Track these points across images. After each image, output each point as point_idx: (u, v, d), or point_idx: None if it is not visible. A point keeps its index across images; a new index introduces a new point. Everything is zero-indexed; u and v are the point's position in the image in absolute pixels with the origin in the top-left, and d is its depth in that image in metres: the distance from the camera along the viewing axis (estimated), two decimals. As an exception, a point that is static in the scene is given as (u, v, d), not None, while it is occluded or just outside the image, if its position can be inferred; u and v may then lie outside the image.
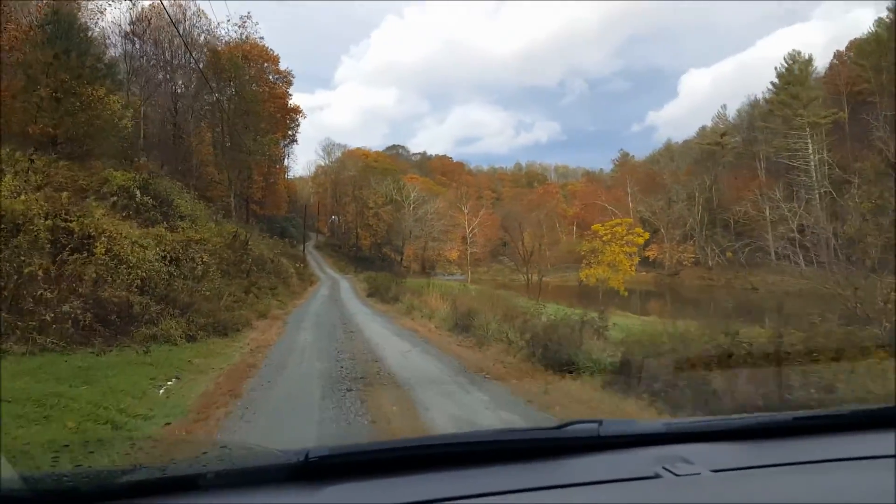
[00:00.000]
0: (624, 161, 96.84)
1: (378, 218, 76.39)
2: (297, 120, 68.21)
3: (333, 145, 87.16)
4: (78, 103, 23.58)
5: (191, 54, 49.49)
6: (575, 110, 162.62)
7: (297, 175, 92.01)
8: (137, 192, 20.88)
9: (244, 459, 1.98)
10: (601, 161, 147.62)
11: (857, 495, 1.58)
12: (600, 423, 1.95)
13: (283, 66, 59.58)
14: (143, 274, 14.17)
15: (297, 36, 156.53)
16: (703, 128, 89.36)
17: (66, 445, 2.17)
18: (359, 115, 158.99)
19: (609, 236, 48.18)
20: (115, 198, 20.04)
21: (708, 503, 1.55)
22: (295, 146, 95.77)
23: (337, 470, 1.65)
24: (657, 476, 1.63)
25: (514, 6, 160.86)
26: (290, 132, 67.87)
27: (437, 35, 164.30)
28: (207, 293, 16.14)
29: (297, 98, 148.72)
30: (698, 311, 41.55)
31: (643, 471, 1.66)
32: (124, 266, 13.97)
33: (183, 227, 20.96)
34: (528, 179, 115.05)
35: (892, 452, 1.77)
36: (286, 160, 77.00)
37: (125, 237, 14.71)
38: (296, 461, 1.61)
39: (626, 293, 47.87)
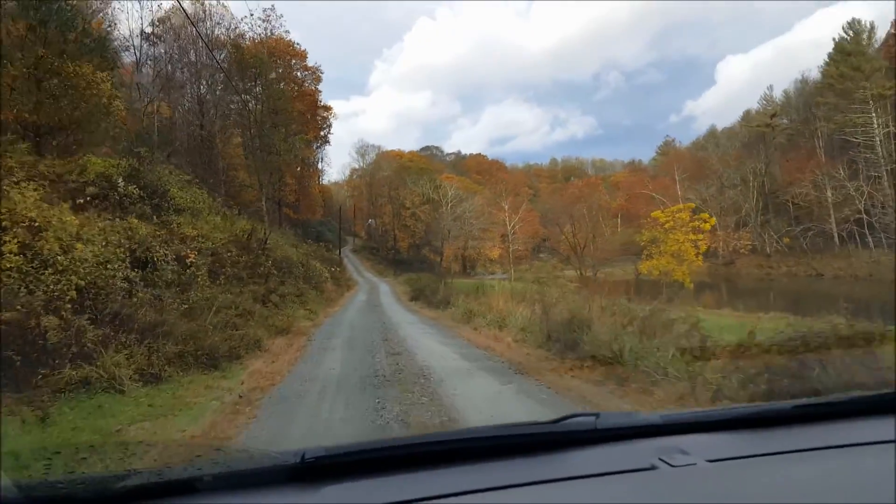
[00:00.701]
0: (667, 148, 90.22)
1: (416, 218, 71.22)
2: (329, 120, 63.52)
3: (367, 147, 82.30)
4: (56, 82, 18.82)
5: (211, 52, 44.69)
6: (610, 104, 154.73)
7: (332, 180, 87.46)
8: (120, 181, 15.83)
9: (240, 462, 1.87)
10: (639, 154, 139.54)
11: (855, 481, 1.53)
12: (597, 415, 1.87)
13: (314, 66, 54.75)
14: (81, 281, 8.93)
15: (332, 43, 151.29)
16: (748, 112, 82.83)
17: (58, 452, 2.09)
18: (393, 120, 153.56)
19: (671, 223, 42.21)
20: (92, 187, 15.13)
21: (704, 493, 1.48)
22: (328, 149, 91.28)
23: (334, 470, 1.57)
24: (653, 467, 1.57)
25: (546, 2, 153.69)
26: (321, 132, 63.16)
27: (469, 35, 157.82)
28: (186, 307, 10.83)
29: (332, 105, 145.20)
30: (789, 303, 35.46)
31: (640, 462, 1.59)
32: (51, 270, 8.76)
33: (178, 222, 15.85)
34: (564, 174, 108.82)
35: (892, 438, 1.70)
36: (320, 164, 72.48)
37: (58, 228, 9.48)
38: (292, 462, 1.55)
39: (692, 286, 41.89)
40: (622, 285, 48.56)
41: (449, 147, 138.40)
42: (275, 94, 49.26)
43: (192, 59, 48.07)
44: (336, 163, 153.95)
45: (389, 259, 70.32)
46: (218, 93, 48.96)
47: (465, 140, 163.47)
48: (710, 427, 1.95)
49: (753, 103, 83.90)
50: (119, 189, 15.69)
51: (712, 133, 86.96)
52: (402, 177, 74.77)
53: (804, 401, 2.16)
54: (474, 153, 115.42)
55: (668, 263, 41.56)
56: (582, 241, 55.56)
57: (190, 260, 12.26)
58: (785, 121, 74.78)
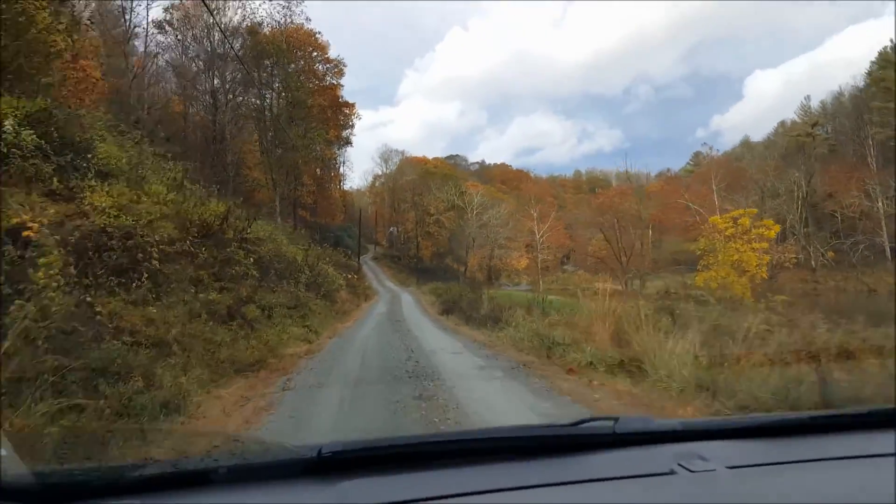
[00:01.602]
0: (700, 159, 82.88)
1: (440, 225, 64.75)
2: (352, 119, 57.29)
3: (390, 152, 75.89)
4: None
5: (225, 36, 38.71)
6: (638, 117, 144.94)
7: (355, 187, 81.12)
8: (7, 124, 9.54)
9: (257, 454, 1.78)
10: (675, 165, 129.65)
11: (874, 492, 1.43)
12: (616, 419, 1.76)
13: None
14: None
15: (363, 54, 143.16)
16: (783, 122, 75.84)
17: (78, 437, 2.22)
18: (420, 130, 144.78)
19: (731, 230, 35.32)
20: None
21: (723, 499, 1.41)
22: (351, 155, 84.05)
23: (351, 465, 1.48)
24: (672, 472, 1.48)
25: (580, 15, 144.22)
26: (343, 133, 56.96)
27: (502, 46, 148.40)
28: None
29: (358, 110, 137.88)
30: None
31: (659, 467, 1.50)
32: None
33: (91, 189, 9.50)
34: (589, 185, 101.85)
35: None
36: (341, 167, 66.26)
37: None
38: (309, 456, 1.47)
39: (753, 301, 34.88)
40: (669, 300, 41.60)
41: (474, 157, 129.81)
42: (293, 85, 43.17)
43: (207, 47, 42.03)
44: (359, 170, 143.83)
45: (411, 267, 63.92)
46: (229, 84, 42.64)
47: (491, 150, 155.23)
48: (728, 434, 1.84)
49: (781, 117, 77.46)
50: (6, 135, 9.41)
51: (746, 144, 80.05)
52: (426, 182, 68.38)
53: (822, 412, 2.19)
54: (499, 163, 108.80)
55: (728, 275, 34.54)
56: (628, 251, 48.65)
57: (33, 239, 5.73)
58: (822, 131, 68.10)
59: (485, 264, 64.89)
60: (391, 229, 76.59)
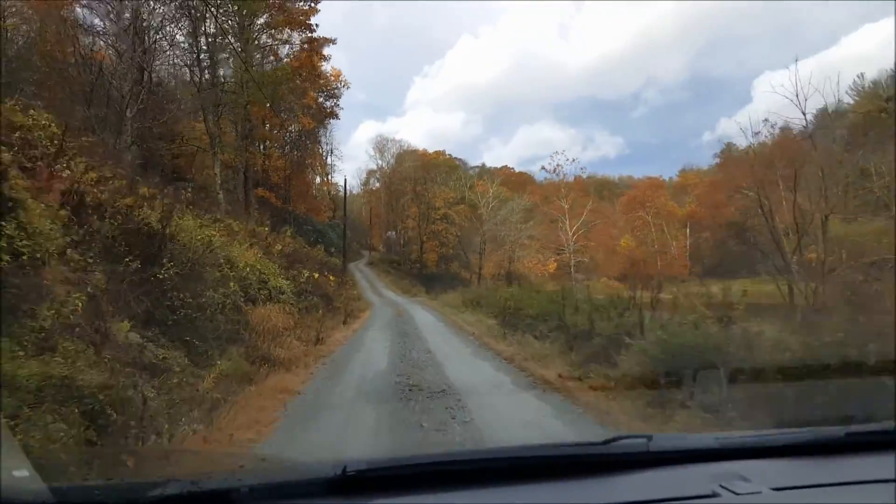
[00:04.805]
0: (729, 151, 65.17)
1: (448, 221, 46.30)
2: (337, 87, 39.11)
3: (387, 141, 57.22)
4: None
5: None
6: (646, 122, 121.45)
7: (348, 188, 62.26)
8: None
9: (281, 473, 1.61)
10: (669, 173, 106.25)
11: None
12: (650, 437, 1.53)
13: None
14: None
15: (373, 64, 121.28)
16: (825, 108, 57.66)
17: (98, 457, 1.87)
18: (425, 140, 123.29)
19: None
20: None
21: None
22: (344, 154, 63.90)
23: (376, 484, 1.34)
24: (715, 495, 1.30)
25: (589, 18, 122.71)
26: (326, 104, 38.62)
27: (508, 53, 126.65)
28: None
29: (368, 126, 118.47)
30: None
31: (699, 489, 1.32)
32: None
33: None
34: (596, 189, 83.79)
35: None
36: (329, 157, 47.59)
37: None
38: (333, 475, 1.32)
39: None
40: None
41: (476, 163, 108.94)
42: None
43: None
44: (350, 166, 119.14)
45: (414, 273, 45.41)
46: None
47: (495, 158, 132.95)
48: (766, 452, 1.58)
49: (790, 119, 59.80)
50: None
51: (784, 132, 62.49)
52: (429, 171, 50.00)
53: (857, 428, 1.71)
54: (500, 166, 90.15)
55: None
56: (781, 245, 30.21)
57: None
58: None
59: (503, 269, 46.19)
60: (389, 233, 58.03)
